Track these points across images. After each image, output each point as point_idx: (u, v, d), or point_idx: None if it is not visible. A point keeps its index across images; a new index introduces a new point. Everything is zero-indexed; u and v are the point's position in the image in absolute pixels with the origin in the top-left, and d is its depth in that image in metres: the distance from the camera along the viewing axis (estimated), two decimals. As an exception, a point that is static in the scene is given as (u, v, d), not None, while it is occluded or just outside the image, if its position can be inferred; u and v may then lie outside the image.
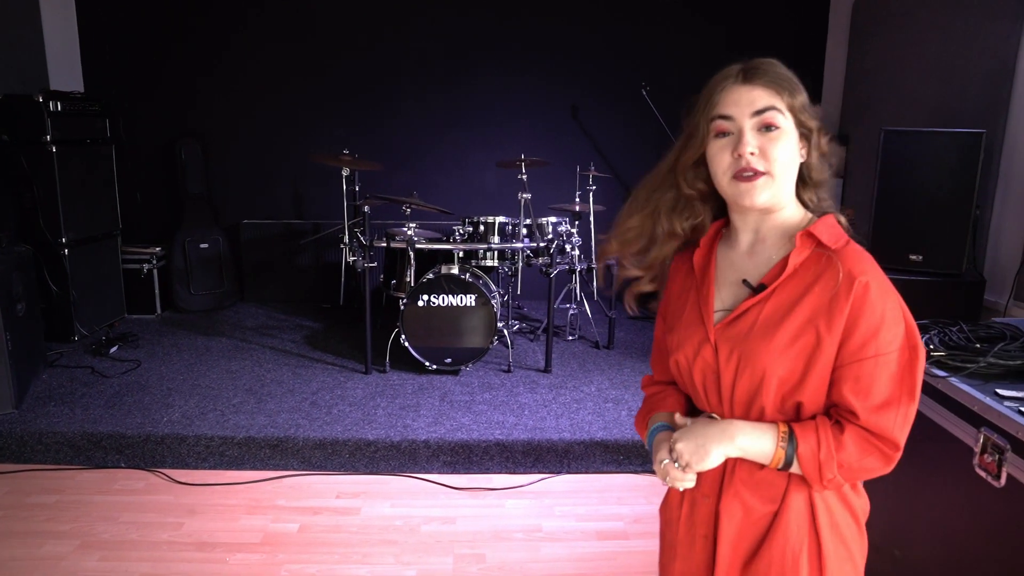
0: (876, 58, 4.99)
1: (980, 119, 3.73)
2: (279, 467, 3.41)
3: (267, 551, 2.82)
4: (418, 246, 4.17)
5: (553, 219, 4.46)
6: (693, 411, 1.37)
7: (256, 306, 5.61)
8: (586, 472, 3.41)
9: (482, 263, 4.41)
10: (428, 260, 4.38)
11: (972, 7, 3.93)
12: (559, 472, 3.41)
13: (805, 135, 1.22)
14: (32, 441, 3.41)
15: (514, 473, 3.40)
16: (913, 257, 3.55)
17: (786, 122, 1.19)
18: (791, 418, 1.22)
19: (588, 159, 4.72)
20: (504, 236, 4.35)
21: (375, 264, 4.16)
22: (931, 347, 2.08)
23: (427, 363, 4.12)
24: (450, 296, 4.03)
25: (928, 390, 2.01)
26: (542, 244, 4.29)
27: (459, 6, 5.47)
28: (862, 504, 1.31)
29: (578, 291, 4.82)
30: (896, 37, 4.69)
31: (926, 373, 2.00)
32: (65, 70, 5.26)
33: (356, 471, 3.40)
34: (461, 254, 4.27)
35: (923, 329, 2.21)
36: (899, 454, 1.18)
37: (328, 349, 4.61)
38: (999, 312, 3.60)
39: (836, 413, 1.19)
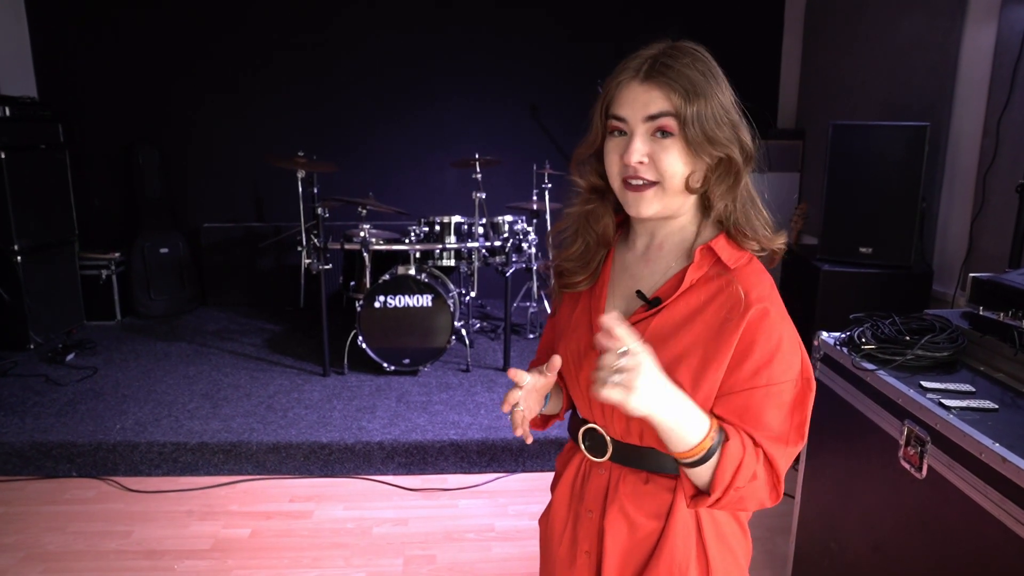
0: (828, 53, 5.04)
1: (926, 112, 3.78)
2: (233, 472, 3.39)
3: (216, 557, 2.80)
4: (373, 247, 4.16)
5: (510, 218, 4.46)
6: (575, 418, 1.30)
7: (217, 310, 5.57)
8: (541, 470, 3.42)
9: (440, 263, 4.41)
10: (386, 261, 4.37)
11: (916, 2, 3.97)
12: (514, 471, 3.42)
13: (708, 143, 1.08)
14: (-21, 452, 3.37)
15: (469, 473, 3.41)
16: (863, 250, 3.59)
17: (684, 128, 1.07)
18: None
19: (547, 157, 4.72)
20: (460, 236, 4.35)
21: (330, 266, 4.14)
22: (863, 340, 2.11)
23: (385, 364, 4.11)
24: (406, 297, 4.02)
25: (858, 383, 2.04)
26: (497, 243, 4.29)
27: (414, 6, 5.45)
28: None
29: (536, 289, 4.83)
30: (847, 32, 4.74)
31: (856, 367, 2.03)
32: (17, 76, 5.18)
33: (310, 474, 3.39)
34: (418, 254, 4.27)
35: (857, 322, 2.24)
36: (782, 488, 1.13)
37: (287, 352, 4.59)
38: (948, 303, 3.65)
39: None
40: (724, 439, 1.08)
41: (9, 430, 3.47)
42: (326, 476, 3.38)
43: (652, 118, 1.08)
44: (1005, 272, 2.11)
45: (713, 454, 1.06)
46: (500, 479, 3.37)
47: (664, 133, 1.08)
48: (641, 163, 1.09)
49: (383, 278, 4.06)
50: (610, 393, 0.97)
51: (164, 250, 5.40)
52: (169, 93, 5.47)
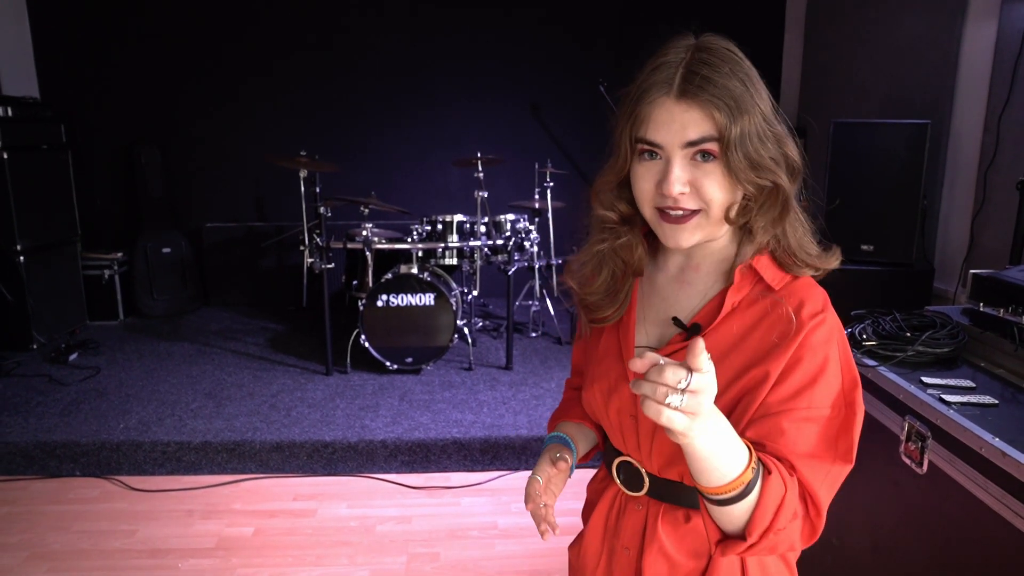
0: (830, 50, 5.04)
1: (927, 110, 3.78)
2: (236, 471, 3.40)
3: (220, 556, 2.81)
4: (376, 246, 4.17)
5: (512, 216, 4.47)
6: (609, 448, 1.19)
7: (220, 310, 5.58)
8: (544, 468, 3.43)
9: (442, 262, 4.42)
10: (388, 260, 4.38)
11: (917, 1, 3.98)
12: (516, 469, 3.42)
13: (752, 169, 0.95)
14: (-16, 452, 3.38)
15: (472, 471, 3.41)
16: (865, 247, 3.60)
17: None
18: None
19: (548, 156, 4.73)
20: (463, 235, 4.36)
21: (333, 265, 4.14)
22: (864, 337, 2.11)
23: (388, 363, 4.12)
24: (409, 295, 4.03)
25: (860, 380, 2.04)
26: (499, 242, 4.30)
27: (415, 5, 5.46)
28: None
29: (539, 287, 4.84)
30: (848, 30, 4.75)
31: (858, 364, 2.03)
32: (19, 76, 5.19)
33: (314, 473, 3.40)
34: (420, 253, 4.27)
35: (858, 319, 2.24)
36: (822, 523, 0.98)
37: (290, 351, 4.60)
38: (949, 300, 3.65)
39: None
40: (766, 472, 0.93)
41: (13, 430, 3.48)
42: (329, 475, 3.39)
43: (693, 144, 0.94)
44: (1006, 268, 2.12)
45: (752, 490, 0.91)
46: (503, 477, 3.38)
47: (705, 156, 0.95)
48: (683, 193, 0.96)
49: (386, 277, 4.07)
50: (672, 417, 0.80)
51: (166, 250, 5.41)
52: (172, 93, 5.48)
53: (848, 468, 1.00)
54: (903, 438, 1.82)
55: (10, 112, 4.43)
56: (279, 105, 5.53)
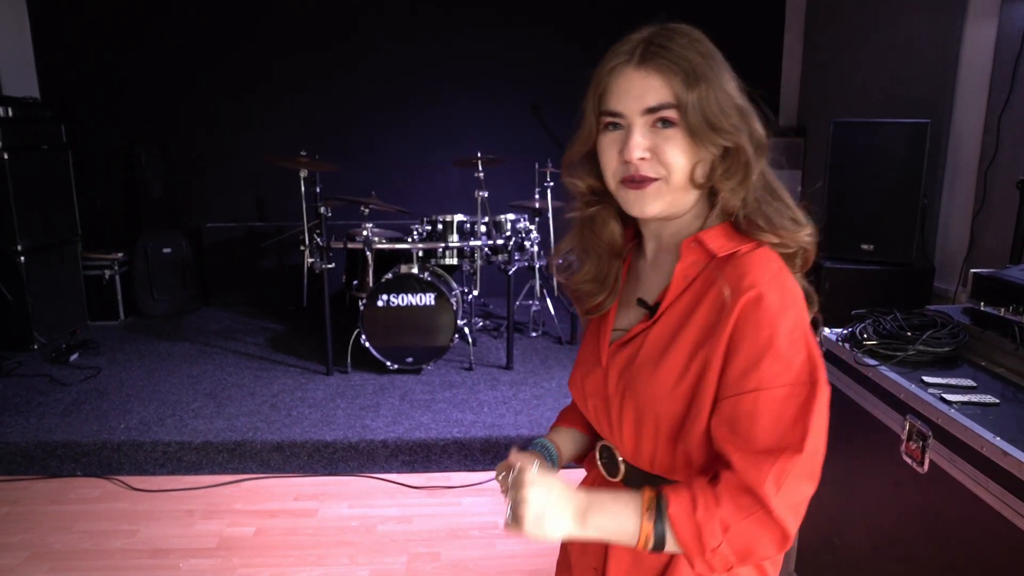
0: (830, 50, 5.04)
1: (927, 110, 3.78)
2: (237, 471, 3.40)
3: (221, 556, 2.81)
4: (376, 246, 4.17)
5: (512, 216, 4.47)
6: (594, 432, 1.21)
7: (220, 310, 5.58)
8: (544, 468, 3.43)
9: (442, 262, 4.42)
10: (389, 260, 4.38)
11: (917, 0, 3.98)
12: (518, 468, 3.42)
13: (712, 131, 0.97)
14: (-15, 452, 3.38)
15: (472, 471, 3.42)
16: (865, 247, 3.60)
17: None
18: (686, 475, 1.01)
19: (549, 156, 4.73)
20: (463, 234, 4.36)
21: (333, 265, 4.14)
22: (865, 336, 2.12)
23: (388, 363, 4.12)
24: (409, 295, 4.03)
25: (860, 378, 2.05)
26: (499, 242, 4.30)
27: (415, 5, 5.46)
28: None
29: (539, 287, 4.84)
30: (848, 29, 4.75)
31: (859, 363, 2.04)
32: (19, 76, 5.19)
33: (315, 473, 3.40)
34: (420, 253, 4.27)
35: (859, 318, 2.24)
36: (784, 524, 0.91)
37: (291, 351, 4.60)
38: (949, 299, 3.65)
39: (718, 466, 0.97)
40: (667, 509, 0.93)
41: (14, 430, 3.48)
42: (330, 474, 3.39)
43: (652, 110, 0.97)
44: (1006, 268, 2.12)
45: (664, 534, 0.93)
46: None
47: (665, 123, 0.97)
48: (643, 159, 0.98)
49: (386, 277, 4.07)
50: (509, 524, 0.92)
51: (167, 250, 5.41)
52: (172, 92, 5.48)
53: (808, 457, 0.92)
54: (904, 437, 1.83)
55: (10, 112, 4.43)
56: (279, 105, 5.53)
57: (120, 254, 5.29)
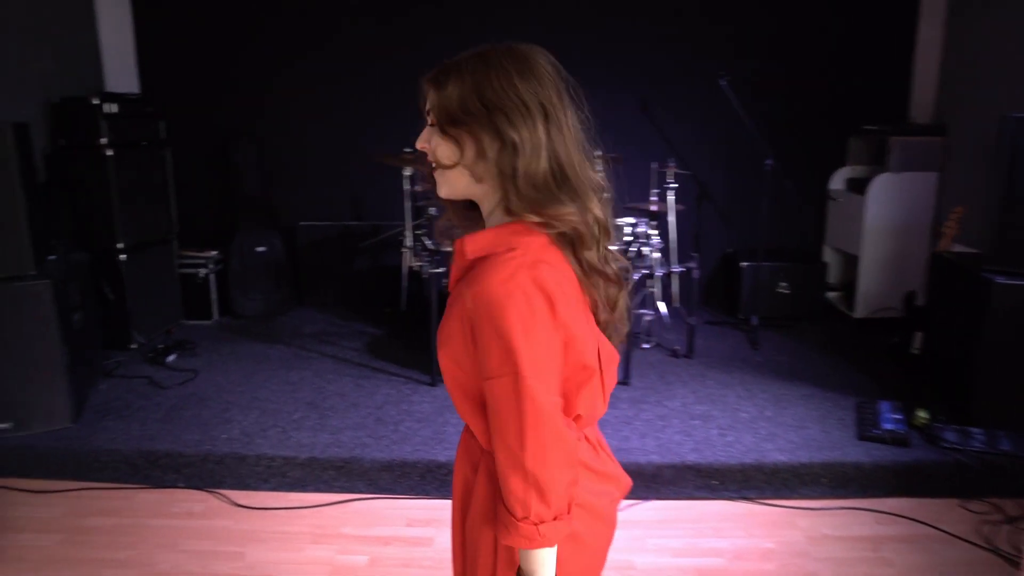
0: (982, 36, 4.57)
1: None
2: (344, 490, 3.19)
3: (336, 587, 2.59)
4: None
5: (631, 220, 4.14)
6: None
7: (314, 311, 5.40)
8: (676, 498, 3.12)
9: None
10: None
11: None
12: (646, 498, 3.12)
13: (450, 123, 1.17)
14: (89, 460, 3.26)
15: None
16: (1044, 261, 3.17)
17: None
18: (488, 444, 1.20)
19: (659, 155, 4.40)
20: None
21: (442, 269, 3.91)
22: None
23: (496, 375, 3.86)
24: (521, 303, 3.75)
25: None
26: (618, 247, 3.99)
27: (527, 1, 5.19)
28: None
29: (658, 295, 4.50)
30: (1007, 11, 4.27)
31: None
32: (121, 72, 5.14)
33: (427, 495, 3.17)
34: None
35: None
36: (533, 507, 1.10)
37: (390, 358, 4.38)
38: None
39: None
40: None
41: (117, 436, 3.36)
42: (444, 498, 3.14)
43: (427, 114, 1.22)
44: None
45: (527, 562, 1.17)
46: (632, 506, 3.09)
47: (432, 123, 1.21)
48: (424, 152, 1.23)
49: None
50: None
51: (261, 248, 5.27)
52: (267, 89, 5.34)
53: (543, 469, 1.08)
54: None
55: (116, 109, 4.34)
56: (378, 101, 5.31)
57: (215, 252, 5.18)
